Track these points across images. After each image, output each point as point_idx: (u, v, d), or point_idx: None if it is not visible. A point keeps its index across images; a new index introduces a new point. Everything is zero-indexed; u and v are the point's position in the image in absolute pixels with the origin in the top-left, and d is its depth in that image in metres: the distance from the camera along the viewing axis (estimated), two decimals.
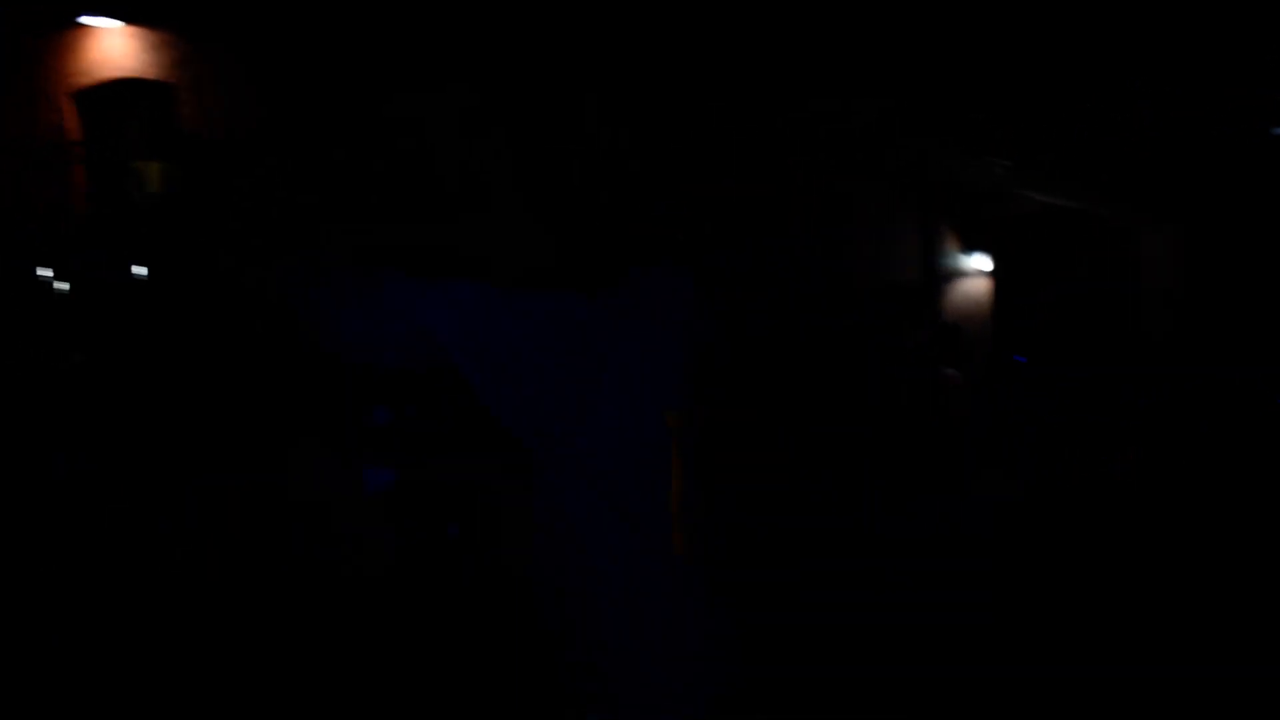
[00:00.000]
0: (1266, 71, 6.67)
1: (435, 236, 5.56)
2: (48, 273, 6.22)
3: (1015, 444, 7.48)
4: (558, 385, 1.53)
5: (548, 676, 1.65)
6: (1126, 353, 8.83)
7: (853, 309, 8.85)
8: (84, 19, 7.49)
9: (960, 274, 10.17)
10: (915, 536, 6.07)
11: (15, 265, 6.24)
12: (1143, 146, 8.05)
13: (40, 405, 5.13)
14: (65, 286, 6.20)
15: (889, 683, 4.10)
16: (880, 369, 8.16)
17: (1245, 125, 7.77)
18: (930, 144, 8.54)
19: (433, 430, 4.65)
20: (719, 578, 1.72)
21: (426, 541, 4.68)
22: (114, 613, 4.40)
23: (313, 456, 4.72)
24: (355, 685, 3.95)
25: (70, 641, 4.22)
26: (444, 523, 4.68)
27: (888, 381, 8.35)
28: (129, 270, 6.17)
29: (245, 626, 4.27)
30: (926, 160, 8.97)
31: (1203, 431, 7.23)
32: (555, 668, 1.66)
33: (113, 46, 7.59)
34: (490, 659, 3.91)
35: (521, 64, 5.39)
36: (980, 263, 10.12)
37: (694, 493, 1.65)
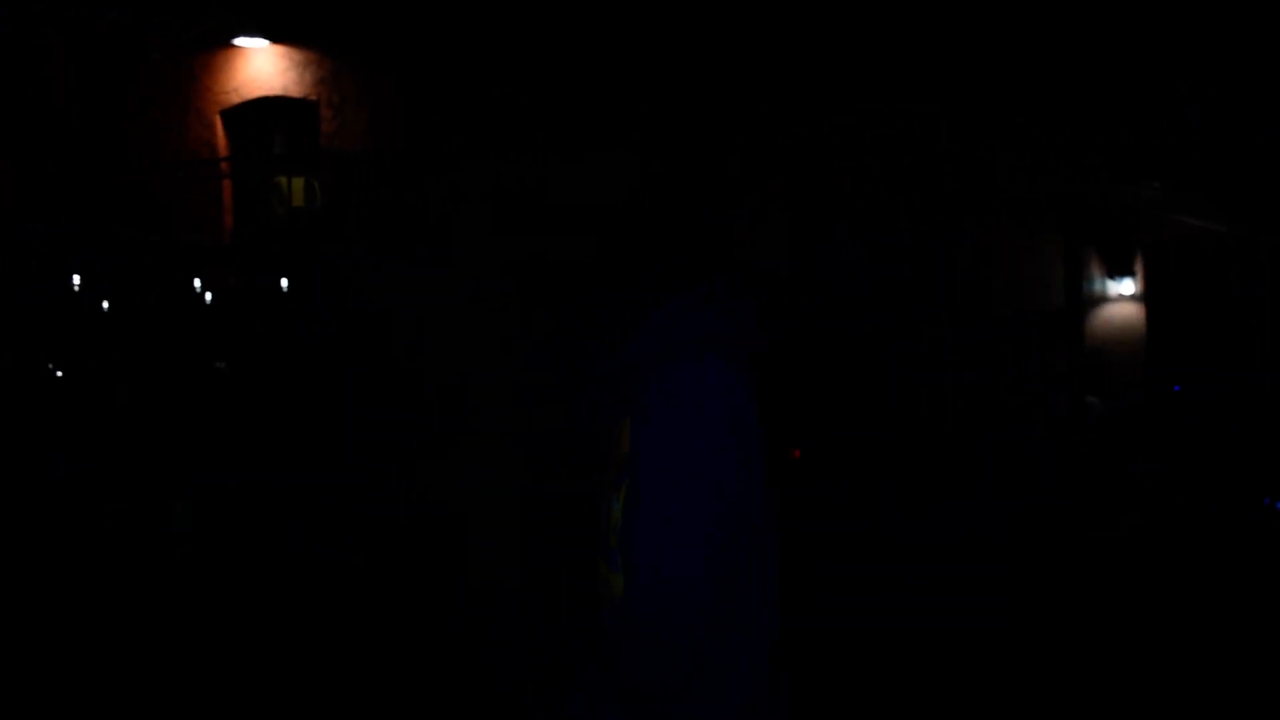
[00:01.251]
0: None
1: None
2: (196, 283, 6.55)
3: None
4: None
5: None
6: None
7: (987, 330, 8.62)
8: (236, 40, 7.87)
9: (1106, 298, 9.77)
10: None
11: (167, 275, 6.62)
12: None
13: (190, 410, 5.43)
14: (210, 296, 6.52)
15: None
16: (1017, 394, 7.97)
17: None
18: (1080, 164, 8.26)
19: None
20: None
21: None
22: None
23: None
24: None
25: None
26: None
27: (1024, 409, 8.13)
28: (269, 280, 6.48)
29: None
30: (1073, 180, 8.67)
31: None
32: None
33: (260, 65, 7.95)
34: None
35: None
36: (1127, 287, 9.70)
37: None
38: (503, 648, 3.73)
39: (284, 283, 6.35)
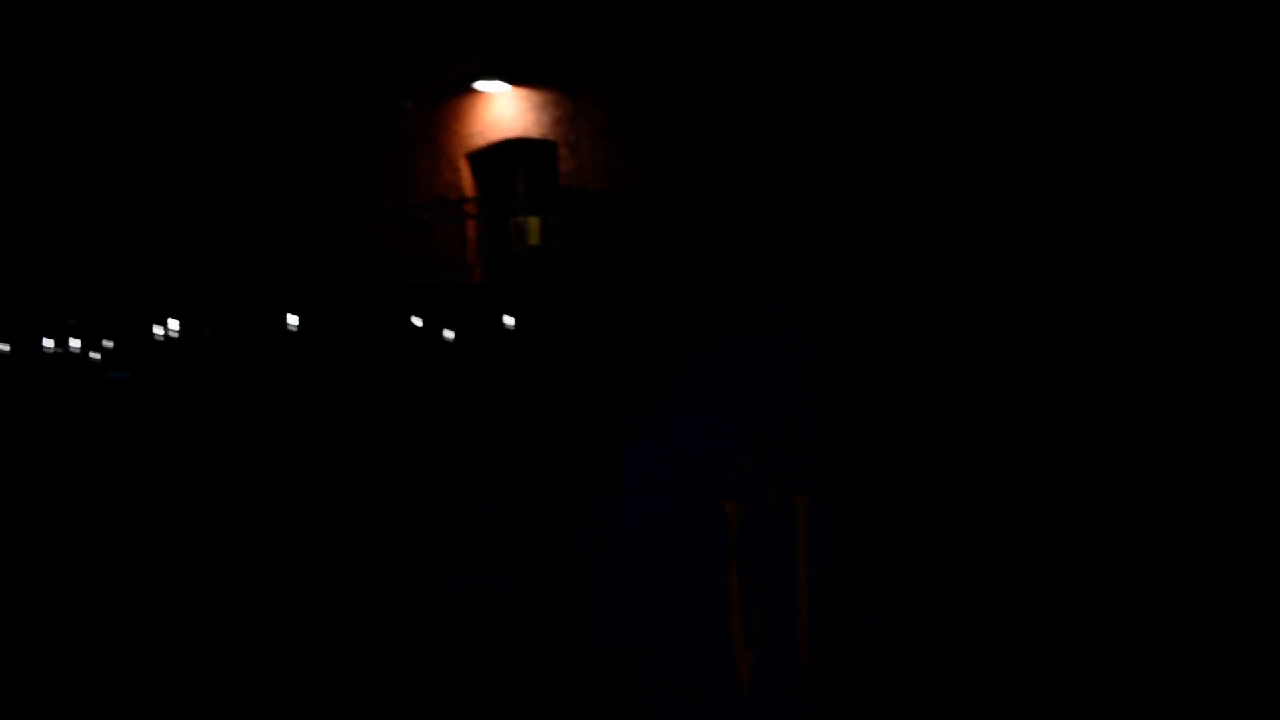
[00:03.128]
0: None
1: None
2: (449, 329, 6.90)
3: None
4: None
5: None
6: None
7: None
8: (477, 85, 8.20)
9: None
10: None
11: (418, 316, 7.01)
12: None
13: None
14: (452, 334, 6.89)
15: None
16: None
17: None
18: None
19: None
20: None
21: None
22: None
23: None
24: None
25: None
26: None
27: None
28: (503, 319, 6.67)
29: None
30: None
31: None
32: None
33: (502, 109, 8.26)
34: None
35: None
36: None
37: None
38: None
39: (509, 320, 6.60)
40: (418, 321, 6.89)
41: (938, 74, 4.26)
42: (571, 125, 7.71)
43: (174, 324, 7.54)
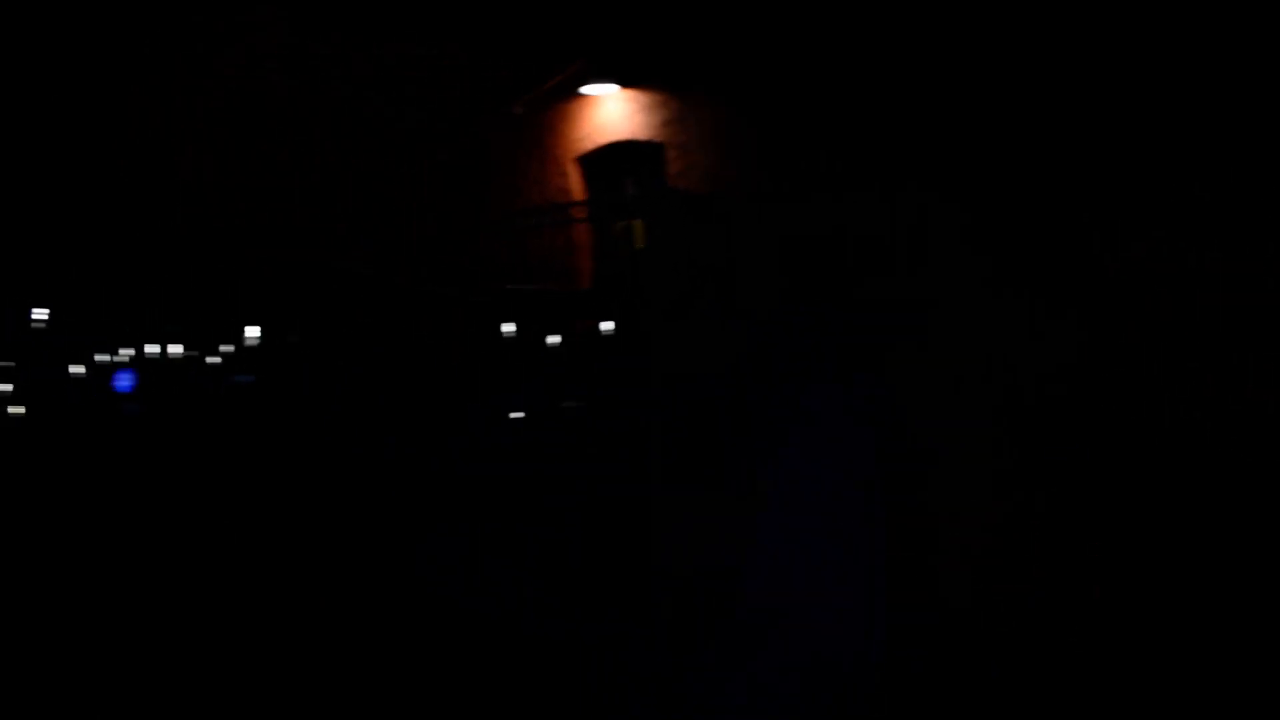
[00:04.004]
0: None
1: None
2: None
3: None
4: None
5: None
6: None
7: None
8: (585, 89, 8.13)
9: None
10: None
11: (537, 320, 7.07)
12: None
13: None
14: (558, 340, 6.93)
15: None
16: None
17: None
18: None
19: None
20: None
21: None
22: None
23: None
24: None
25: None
26: None
27: None
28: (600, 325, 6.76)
29: None
30: None
31: None
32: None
33: (610, 111, 8.19)
34: None
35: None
36: None
37: None
38: None
39: (607, 326, 6.63)
40: (509, 327, 6.93)
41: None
42: (680, 127, 7.62)
43: (253, 330, 7.57)
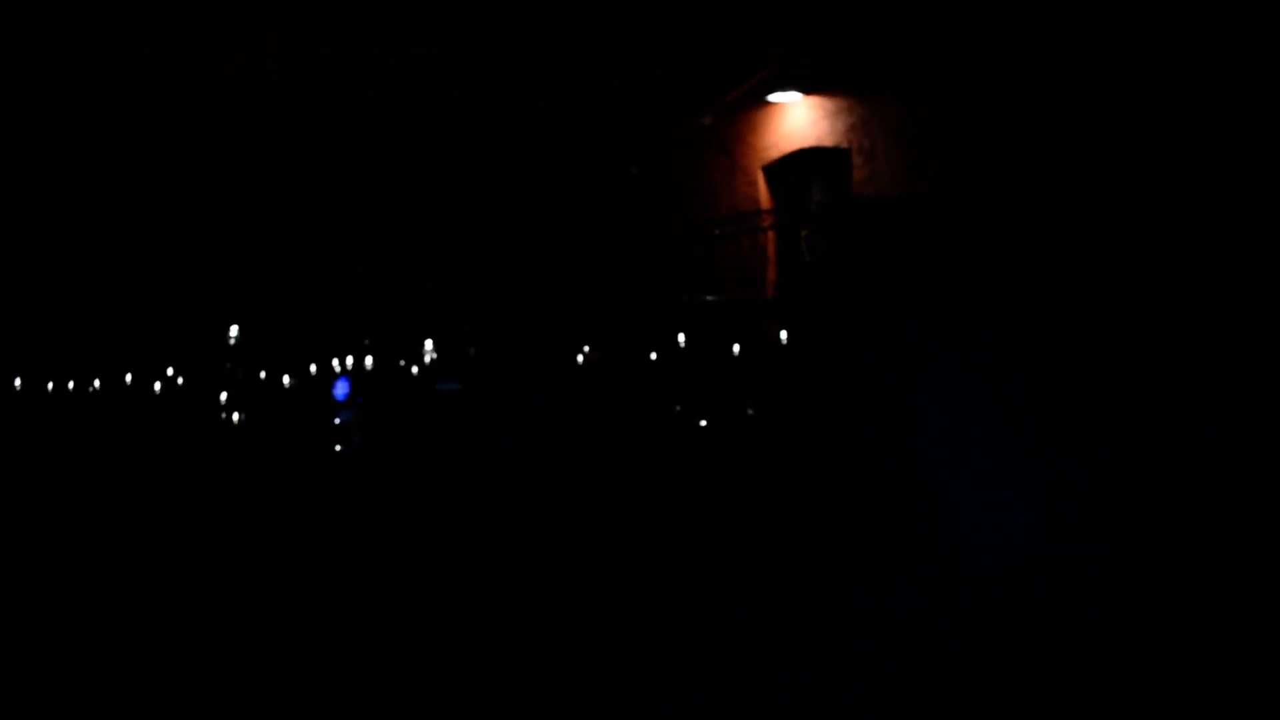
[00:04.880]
0: None
1: None
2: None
3: None
4: None
5: None
6: None
7: None
8: (771, 97, 8.32)
9: None
10: None
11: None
12: None
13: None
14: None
15: None
16: None
17: None
18: None
19: None
20: None
21: None
22: None
23: None
24: None
25: None
26: None
27: None
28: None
29: None
30: None
31: None
32: None
33: (795, 119, 8.34)
34: None
35: None
36: None
37: None
38: None
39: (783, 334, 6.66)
40: (681, 337, 6.98)
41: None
42: (865, 131, 7.74)
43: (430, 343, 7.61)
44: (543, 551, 4.74)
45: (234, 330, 7.71)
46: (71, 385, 7.17)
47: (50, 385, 7.12)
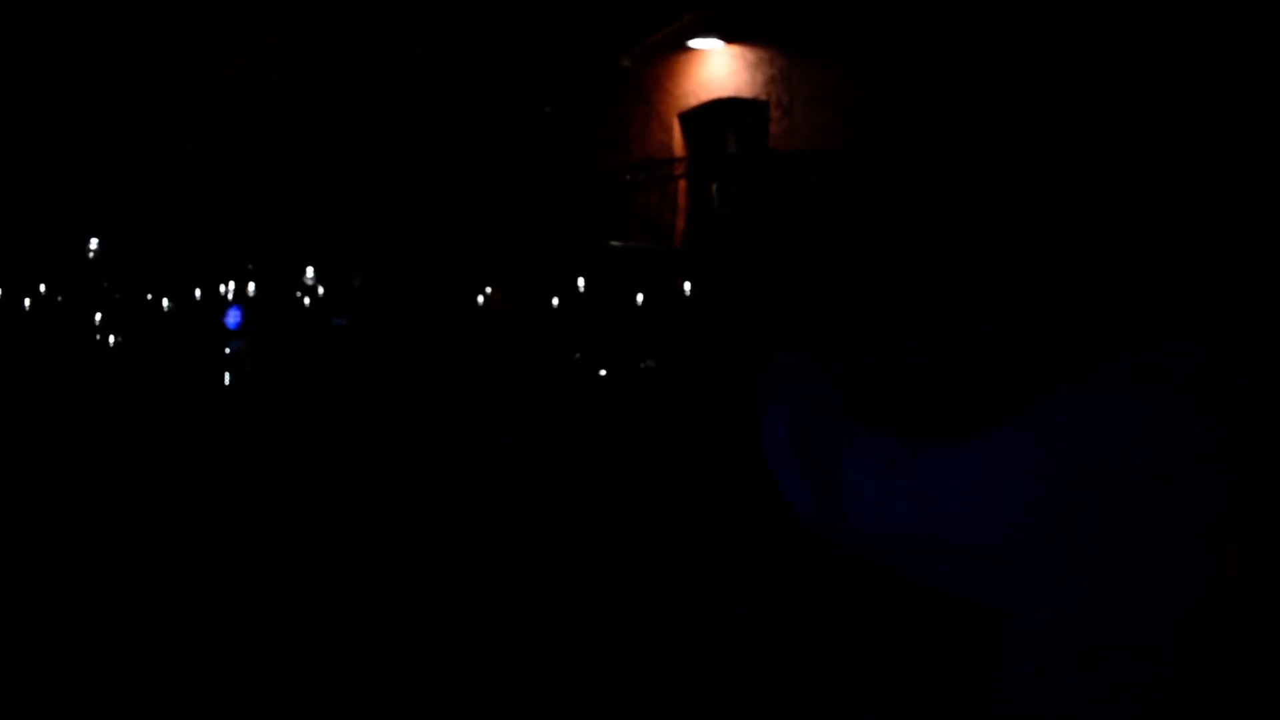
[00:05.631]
0: None
1: None
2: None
3: None
4: None
5: None
6: None
7: None
8: (692, 43, 8.14)
9: None
10: None
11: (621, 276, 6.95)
12: None
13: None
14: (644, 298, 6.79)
15: None
16: None
17: None
18: None
19: None
20: None
21: None
22: None
23: None
24: None
25: None
26: None
27: None
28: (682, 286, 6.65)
29: None
30: None
31: None
32: None
33: (716, 67, 8.13)
34: None
35: None
36: None
37: None
38: None
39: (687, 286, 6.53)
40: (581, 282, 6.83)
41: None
42: (785, 85, 7.53)
43: None
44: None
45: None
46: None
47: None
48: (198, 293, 7.71)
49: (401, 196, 8.62)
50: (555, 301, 6.98)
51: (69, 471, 6.49)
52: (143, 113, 8.16)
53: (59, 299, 7.34)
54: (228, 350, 7.53)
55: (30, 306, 7.28)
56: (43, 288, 7.25)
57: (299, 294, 7.52)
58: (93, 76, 7.90)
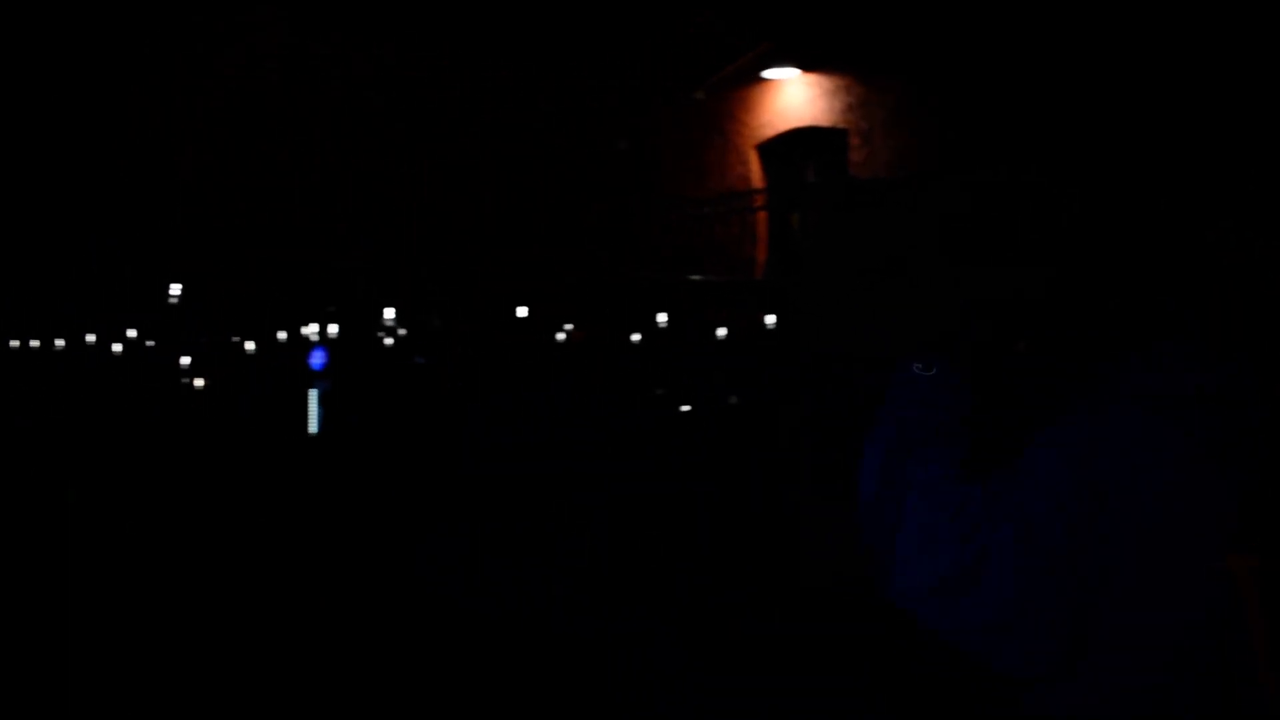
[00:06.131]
0: None
1: None
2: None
3: None
4: None
5: None
6: None
7: None
8: (766, 73, 8.04)
9: None
10: None
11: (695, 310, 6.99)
12: None
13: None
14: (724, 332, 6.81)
15: None
16: None
17: None
18: None
19: None
20: None
21: None
22: None
23: None
24: None
25: None
26: None
27: None
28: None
29: None
30: None
31: None
32: None
33: (791, 97, 8.03)
34: None
35: None
36: None
37: None
38: None
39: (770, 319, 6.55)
40: (663, 317, 6.80)
41: None
42: (864, 112, 7.49)
43: None
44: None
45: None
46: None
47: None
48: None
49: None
50: (636, 337, 6.97)
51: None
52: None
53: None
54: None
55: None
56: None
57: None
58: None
